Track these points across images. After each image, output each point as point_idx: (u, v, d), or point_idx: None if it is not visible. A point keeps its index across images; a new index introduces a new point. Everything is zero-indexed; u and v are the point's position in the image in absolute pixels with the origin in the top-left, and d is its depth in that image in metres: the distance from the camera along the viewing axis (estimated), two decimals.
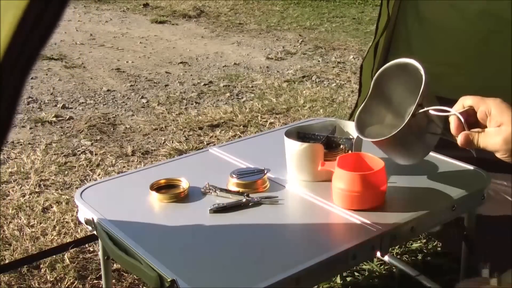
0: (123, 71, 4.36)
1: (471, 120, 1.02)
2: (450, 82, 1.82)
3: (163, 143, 3.02)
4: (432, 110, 1.10)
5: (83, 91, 3.88)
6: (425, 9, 1.97)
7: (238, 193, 1.33)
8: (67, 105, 3.59)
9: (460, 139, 1.01)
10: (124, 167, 2.71)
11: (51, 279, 1.85)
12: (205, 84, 4.07)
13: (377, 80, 1.26)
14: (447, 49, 1.93)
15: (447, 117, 1.07)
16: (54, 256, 1.93)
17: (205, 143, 3.00)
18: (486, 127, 1.00)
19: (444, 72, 1.85)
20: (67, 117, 3.38)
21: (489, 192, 1.41)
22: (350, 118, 2.24)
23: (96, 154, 2.84)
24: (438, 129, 1.16)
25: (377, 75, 1.26)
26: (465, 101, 1.03)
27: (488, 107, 0.99)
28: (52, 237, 2.09)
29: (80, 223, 1.87)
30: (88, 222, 1.28)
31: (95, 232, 1.28)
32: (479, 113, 1.00)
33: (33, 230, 2.14)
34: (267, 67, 4.52)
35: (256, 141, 1.76)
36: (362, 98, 2.04)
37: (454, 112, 1.03)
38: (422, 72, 1.14)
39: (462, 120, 1.01)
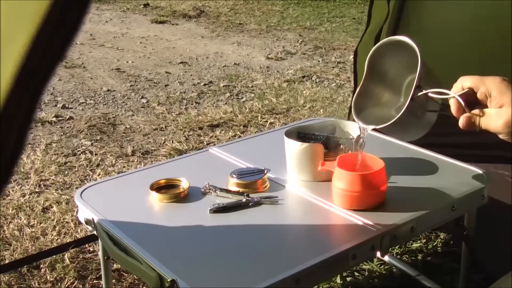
0: (123, 71, 4.37)
1: (471, 99, 1.01)
2: (451, 80, 1.82)
3: (163, 143, 3.02)
4: (431, 93, 1.09)
5: (83, 91, 3.88)
6: (427, 10, 1.97)
7: (238, 193, 1.33)
8: (67, 105, 3.59)
9: (461, 122, 1.01)
10: (124, 167, 2.71)
11: (51, 279, 1.85)
12: (205, 84, 4.07)
13: (371, 60, 1.23)
14: (449, 49, 1.94)
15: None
16: (54, 256, 1.93)
17: (205, 143, 3.00)
18: (487, 106, 1.00)
19: (445, 71, 1.85)
20: (67, 117, 3.38)
21: (492, 175, 1.41)
22: (349, 115, 2.23)
23: (96, 154, 2.84)
24: (437, 106, 1.14)
25: (370, 56, 1.22)
26: (464, 82, 1.02)
27: (487, 88, 0.98)
28: (52, 237, 2.09)
29: (80, 223, 1.87)
30: (88, 222, 1.28)
31: (95, 232, 1.28)
32: (479, 94, 0.99)
33: (33, 230, 2.14)
34: (267, 67, 4.52)
35: (256, 141, 1.76)
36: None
37: (454, 95, 1.02)
38: (417, 51, 1.11)
39: (462, 103, 1.01)
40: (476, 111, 1.00)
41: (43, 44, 0.42)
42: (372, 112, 1.24)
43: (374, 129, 1.20)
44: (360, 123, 1.21)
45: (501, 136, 0.97)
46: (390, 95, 1.25)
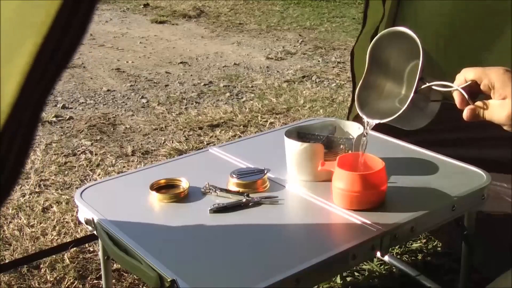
0: (123, 71, 4.36)
1: (475, 90, 1.01)
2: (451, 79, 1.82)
3: (163, 143, 3.02)
4: (434, 86, 1.08)
5: (83, 91, 3.88)
6: (424, 10, 1.97)
7: (238, 193, 1.33)
8: (67, 105, 3.59)
9: (465, 114, 1.01)
10: (124, 167, 2.71)
11: (51, 279, 1.85)
12: (205, 84, 4.07)
13: (371, 52, 1.22)
14: (448, 49, 1.94)
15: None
16: (54, 256, 1.93)
17: (205, 143, 3.00)
18: (491, 97, 1.00)
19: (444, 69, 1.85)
20: (67, 117, 3.38)
21: (489, 193, 1.41)
22: (348, 115, 2.23)
23: (96, 154, 2.84)
24: (440, 96, 1.14)
25: (370, 48, 1.21)
26: (467, 74, 1.02)
27: (490, 80, 0.98)
28: (52, 237, 2.09)
29: (80, 223, 1.87)
30: (88, 222, 1.28)
31: (95, 232, 1.28)
32: (482, 86, 1.00)
33: (33, 230, 2.14)
34: (267, 67, 4.52)
35: (256, 141, 1.76)
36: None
37: (457, 88, 1.03)
38: (418, 42, 1.10)
39: (466, 96, 1.01)
40: (479, 103, 1.00)
41: (50, 51, 0.42)
42: (376, 106, 1.23)
43: (379, 123, 1.19)
44: (364, 117, 1.20)
45: (505, 128, 0.98)
46: (392, 85, 1.25)
